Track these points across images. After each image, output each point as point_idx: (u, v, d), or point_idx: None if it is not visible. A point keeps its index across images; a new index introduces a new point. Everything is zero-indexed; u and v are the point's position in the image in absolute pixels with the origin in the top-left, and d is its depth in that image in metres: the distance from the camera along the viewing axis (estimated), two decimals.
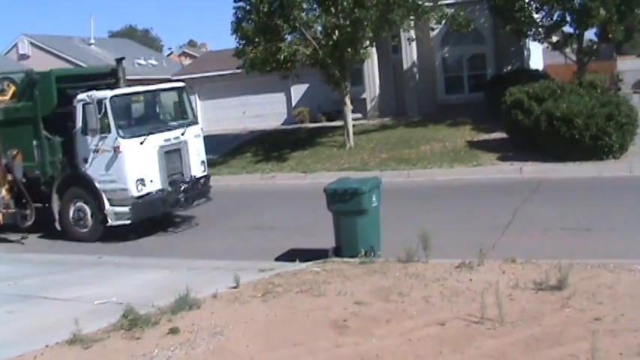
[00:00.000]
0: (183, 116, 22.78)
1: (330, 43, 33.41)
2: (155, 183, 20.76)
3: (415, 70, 43.83)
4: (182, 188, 21.43)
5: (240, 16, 34.62)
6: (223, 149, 39.84)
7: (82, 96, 20.58)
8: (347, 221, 15.16)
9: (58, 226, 21.52)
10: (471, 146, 31.67)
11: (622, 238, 15.88)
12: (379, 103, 45.07)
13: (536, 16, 37.09)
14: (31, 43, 61.71)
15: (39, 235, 22.23)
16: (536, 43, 41.94)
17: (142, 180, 20.43)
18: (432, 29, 39.37)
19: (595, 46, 37.79)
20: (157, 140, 20.91)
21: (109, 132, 20.16)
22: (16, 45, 62.38)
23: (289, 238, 18.45)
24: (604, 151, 26.04)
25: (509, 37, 39.52)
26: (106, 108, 20.00)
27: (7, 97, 22.84)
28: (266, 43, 32.96)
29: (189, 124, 22.34)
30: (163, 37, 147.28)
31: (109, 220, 20.62)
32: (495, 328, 10.13)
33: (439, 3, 35.53)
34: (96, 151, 20.42)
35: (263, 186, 30.23)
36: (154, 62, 68.98)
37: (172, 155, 21.43)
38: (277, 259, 16.59)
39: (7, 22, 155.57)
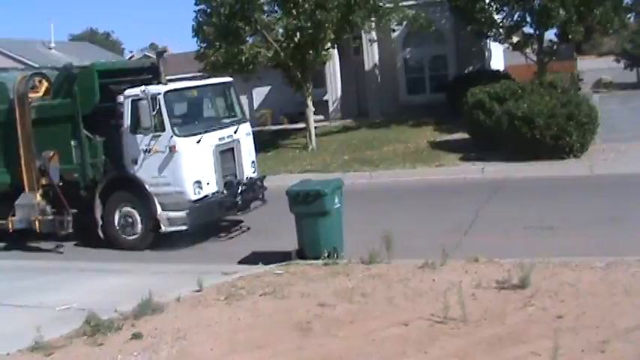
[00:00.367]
0: (232, 113, 21.39)
1: (292, 45, 33.40)
2: (211, 185, 19.20)
3: (377, 71, 43.98)
4: (239, 190, 19.88)
5: (200, 19, 34.60)
6: None
7: (131, 91, 19.02)
8: (310, 223, 15.15)
9: (100, 234, 19.78)
10: (434, 147, 31.74)
11: (584, 237, 15.96)
12: (341, 105, 45.16)
13: (496, 16, 37.44)
14: None
15: (75, 243, 20.55)
16: (497, 43, 42.37)
17: (199, 182, 18.82)
18: (394, 30, 39.64)
19: (555, 47, 38.18)
20: (212, 139, 19.41)
21: (163, 130, 18.60)
22: None
23: (252, 241, 18.42)
24: (565, 150, 26.20)
25: (471, 37, 39.84)
26: (159, 104, 18.55)
27: (39, 94, 21.05)
28: (227, 46, 32.92)
29: (240, 122, 20.90)
30: (124, 40, 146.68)
31: (162, 227, 18.94)
32: (459, 327, 10.17)
33: (400, 4, 35.69)
34: (147, 151, 18.82)
35: None
36: None
37: (226, 155, 19.93)
38: (241, 262, 16.51)
39: None
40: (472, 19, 36.33)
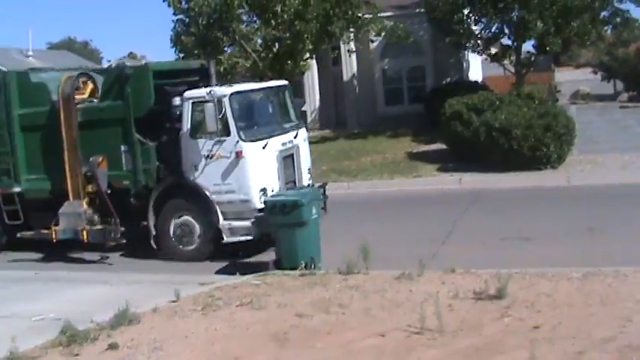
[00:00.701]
0: (290, 118, 20.23)
1: (270, 55, 33.45)
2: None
3: (355, 82, 44.00)
4: None
5: (179, 29, 34.54)
6: None
7: (193, 93, 18.02)
8: (287, 233, 15.15)
9: (153, 244, 18.51)
10: (411, 157, 31.78)
11: (560, 247, 16.03)
12: (319, 115, 45.10)
13: (475, 28, 37.62)
14: None
15: (121, 253, 19.43)
16: (475, 55, 42.54)
17: (265, 190, 17.46)
18: (372, 41, 39.70)
19: (533, 58, 38.40)
20: (276, 144, 18.37)
21: (228, 135, 17.43)
22: None
23: (230, 252, 18.30)
24: (542, 161, 26.31)
25: (449, 49, 40.00)
26: (225, 107, 17.39)
27: (85, 95, 19.84)
28: (206, 56, 32.85)
29: (298, 127, 19.83)
30: (103, 49, 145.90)
31: (224, 237, 17.72)
32: (435, 338, 10.17)
33: (378, 15, 35.82)
34: (209, 156, 17.63)
35: None
36: None
37: (287, 161, 18.79)
38: (218, 272, 16.44)
39: None
40: (450, 30, 36.44)
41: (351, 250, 14.41)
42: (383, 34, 36.84)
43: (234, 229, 17.55)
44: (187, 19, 33.79)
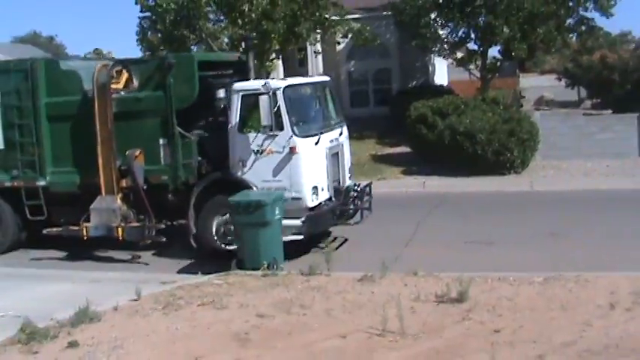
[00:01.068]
0: (334, 114, 19.45)
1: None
2: (324, 192, 17.32)
3: None
4: (351, 198, 18.52)
5: (145, 25, 34.38)
6: None
7: (244, 85, 17.18)
8: (250, 233, 15.07)
9: (193, 243, 17.54)
10: (376, 160, 31.87)
11: (523, 252, 16.11)
12: None
13: (441, 32, 37.81)
14: None
15: (153, 252, 18.52)
16: (441, 58, 42.76)
17: (316, 188, 16.86)
18: (339, 43, 39.64)
19: (498, 63, 38.66)
20: (325, 141, 17.61)
21: (280, 129, 16.55)
22: None
23: (194, 251, 18.19)
24: (506, 166, 26.49)
25: (415, 52, 40.10)
26: (278, 101, 16.58)
27: (119, 85, 18.31)
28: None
29: (342, 124, 19.14)
30: (68, 44, 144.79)
31: None
32: (397, 340, 10.19)
33: (346, 17, 35.79)
34: (259, 152, 16.78)
35: None
36: None
37: (334, 159, 18.04)
38: (180, 271, 16.41)
39: None
40: (417, 33, 36.53)
41: (314, 251, 14.43)
42: (350, 36, 36.83)
43: (284, 228, 16.11)
44: (154, 16, 33.58)
